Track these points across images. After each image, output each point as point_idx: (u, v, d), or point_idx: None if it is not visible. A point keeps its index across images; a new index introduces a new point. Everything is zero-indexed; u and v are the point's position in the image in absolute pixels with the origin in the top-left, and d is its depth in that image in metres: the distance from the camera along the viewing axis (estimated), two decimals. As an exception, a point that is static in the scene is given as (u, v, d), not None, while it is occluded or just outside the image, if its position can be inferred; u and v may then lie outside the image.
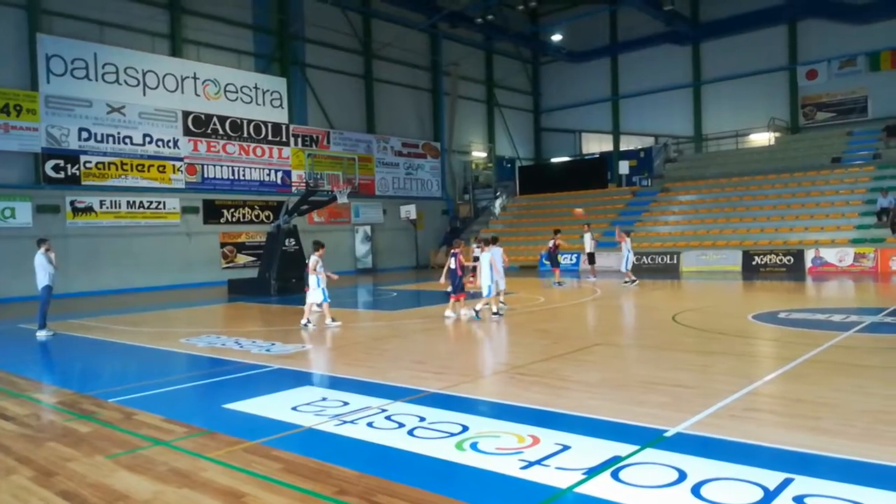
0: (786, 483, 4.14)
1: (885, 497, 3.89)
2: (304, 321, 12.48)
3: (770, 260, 23.11)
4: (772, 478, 4.23)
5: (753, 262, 23.36)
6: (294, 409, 6.48)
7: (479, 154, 39.64)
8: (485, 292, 12.84)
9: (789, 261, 22.70)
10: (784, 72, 32.85)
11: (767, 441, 5.01)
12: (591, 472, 4.46)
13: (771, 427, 5.42)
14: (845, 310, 12.66)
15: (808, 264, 22.42)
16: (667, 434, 5.26)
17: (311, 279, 12.44)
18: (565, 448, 4.99)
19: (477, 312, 12.82)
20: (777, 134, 32.52)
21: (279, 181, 28.91)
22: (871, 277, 20.04)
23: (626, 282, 19.33)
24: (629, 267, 19.55)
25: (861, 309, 12.91)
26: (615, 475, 4.41)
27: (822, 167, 27.80)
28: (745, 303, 14.96)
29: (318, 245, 12.72)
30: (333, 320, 12.58)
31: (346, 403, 6.61)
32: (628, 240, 20.07)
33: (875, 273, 20.94)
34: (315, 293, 12.39)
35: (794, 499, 3.92)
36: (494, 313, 12.90)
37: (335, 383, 7.89)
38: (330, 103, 31.24)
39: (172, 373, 9.06)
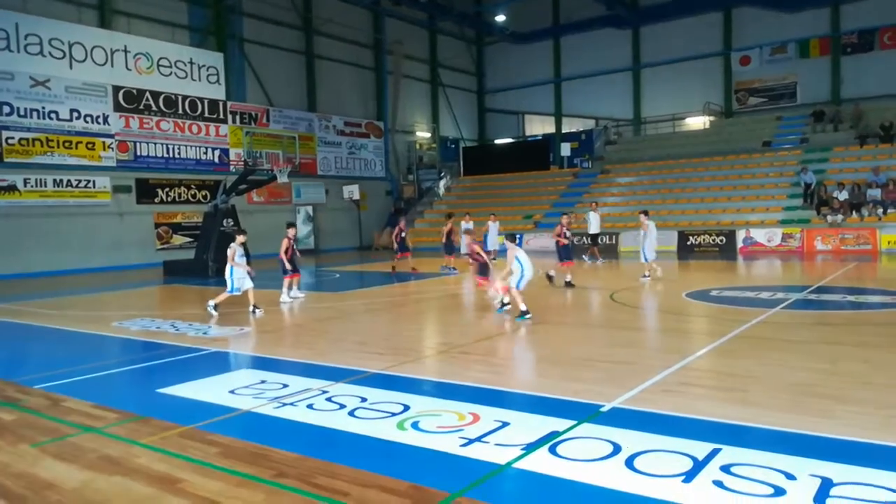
0: (714, 453, 4.31)
1: (807, 464, 4.09)
2: (250, 308, 11.67)
3: (704, 240, 23.88)
4: (701, 448, 4.40)
5: (688, 243, 24.09)
6: (232, 392, 6.36)
7: (422, 134, 39.42)
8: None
9: (721, 241, 23.51)
10: (719, 57, 33.75)
11: (698, 414, 5.21)
12: (530, 448, 4.54)
13: (702, 400, 5.63)
14: (772, 287, 13.22)
15: (739, 244, 23.28)
16: (603, 409, 5.40)
17: (228, 268, 11.64)
18: (505, 425, 5.06)
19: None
20: (712, 118, 33.50)
21: (216, 160, 28.06)
22: (798, 257, 20.98)
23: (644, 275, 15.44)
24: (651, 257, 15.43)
25: (787, 287, 13.50)
26: (552, 450, 4.50)
27: (754, 151, 28.79)
28: (680, 282, 15.43)
29: (239, 232, 12.20)
30: (216, 307, 11.79)
31: (285, 386, 6.52)
32: (650, 223, 15.77)
33: (801, 252, 21.91)
34: (229, 280, 11.55)
35: (722, 468, 4.08)
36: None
37: (275, 366, 7.76)
38: (269, 80, 30.41)
39: (104, 357, 8.73)
